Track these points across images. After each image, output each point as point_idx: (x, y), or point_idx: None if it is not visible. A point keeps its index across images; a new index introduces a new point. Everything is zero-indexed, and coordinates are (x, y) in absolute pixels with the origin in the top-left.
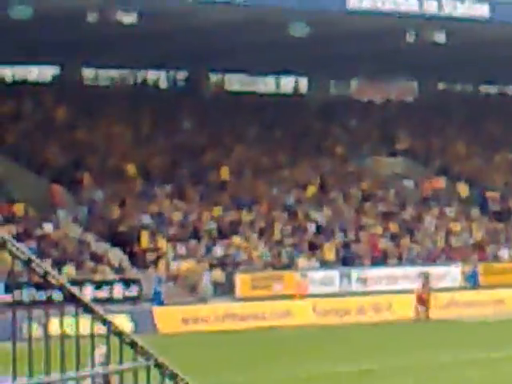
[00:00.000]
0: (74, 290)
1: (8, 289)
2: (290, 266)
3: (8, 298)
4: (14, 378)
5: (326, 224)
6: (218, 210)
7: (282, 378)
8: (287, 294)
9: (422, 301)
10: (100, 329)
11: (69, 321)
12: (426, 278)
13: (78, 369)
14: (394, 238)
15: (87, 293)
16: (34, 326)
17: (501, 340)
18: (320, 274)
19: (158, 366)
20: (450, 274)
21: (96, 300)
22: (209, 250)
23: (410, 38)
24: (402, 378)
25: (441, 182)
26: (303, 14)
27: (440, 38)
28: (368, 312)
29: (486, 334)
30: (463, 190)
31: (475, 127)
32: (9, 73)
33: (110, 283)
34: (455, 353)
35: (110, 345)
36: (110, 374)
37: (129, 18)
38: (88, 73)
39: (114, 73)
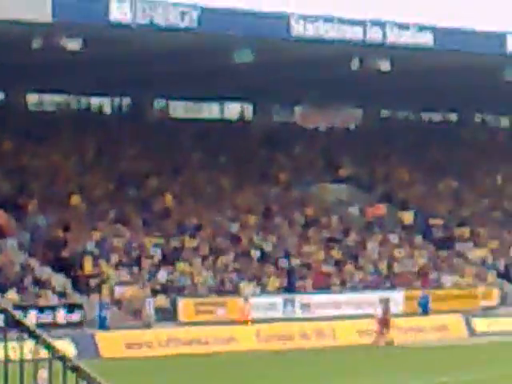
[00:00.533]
0: (18, 314)
1: None
2: (234, 291)
3: None
4: None
5: (270, 250)
6: (161, 236)
7: None
8: (231, 319)
9: (387, 325)
10: (43, 353)
11: (12, 345)
12: (386, 302)
13: None
14: (337, 264)
15: (31, 318)
16: None
17: (444, 365)
18: (263, 300)
19: None
20: (393, 299)
21: (40, 325)
22: (152, 275)
23: (355, 65)
24: None
25: (384, 209)
26: (248, 41)
27: (384, 65)
28: (311, 337)
29: (429, 360)
30: (406, 216)
31: (418, 154)
32: None
33: (53, 308)
34: (397, 378)
35: (52, 369)
36: None
37: (73, 45)
38: (32, 98)
39: (58, 98)
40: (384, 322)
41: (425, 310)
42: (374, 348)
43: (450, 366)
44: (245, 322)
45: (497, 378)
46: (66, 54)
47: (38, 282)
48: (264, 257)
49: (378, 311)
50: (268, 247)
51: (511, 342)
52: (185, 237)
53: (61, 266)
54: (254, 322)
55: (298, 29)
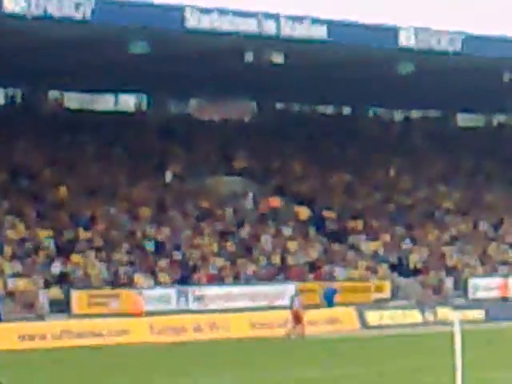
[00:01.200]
0: None
1: None
2: (128, 284)
3: None
4: None
5: (164, 242)
6: (55, 228)
7: None
8: (124, 311)
9: (299, 318)
10: None
11: None
12: (297, 295)
13: None
14: (230, 256)
15: None
16: None
17: (336, 358)
18: (157, 292)
19: None
20: (287, 292)
21: None
22: (46, 267)
23: (249, 58)
24: None
25: (278, 202)
26: (143, 32)
27: (278, 58)
28: (205, 330)
29: (322, 352)
30: (300, 209)
31: (312, 147)
32: None
33: None
34: (291, 370)
35: None
36: None
37: None
38: None
39: None
40: (297, 316)
41: (330, 304)
42: (266, 341)
43: (342, 358)
44: (137, 315)
45: (391, 370)
46: None
47: None
48: (158, 249)
49: (295, 304)
50: (162, 239)
51: (402, 335)
52: (79, 229)
53: None
54: (148, 314)
55: (192, 21)
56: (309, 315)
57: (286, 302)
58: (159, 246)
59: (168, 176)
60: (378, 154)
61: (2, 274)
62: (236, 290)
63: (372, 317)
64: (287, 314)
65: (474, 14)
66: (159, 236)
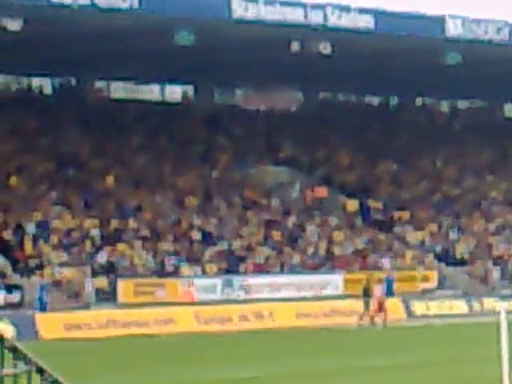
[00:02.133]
0: None
1: None
2: (174, 273)
3: None
4: None
5: (210, 232)
6: (101, 218)
7: None
8: (170, 301)
9: (382, 306)
10: None
11: None
12: (380, 284)
13: None
14: (276, 246)
15: None
16: None
17: (382, 347)
18: (203, 282)
19: (40, 371)
20: (333, 282)
21: None
22: (92, 256)
23: (295, 47)
24: None
25: (324, 191)
26: (188, 23)
27: (325, 48)
28: (250, 319)
29: (370, 341)
30: (346, 199)
31: (358, 137)
32: None
33: None
34: (341, 359)
35: None
36: None
37: (14, 25)
38: None
39: None
40: (379, 303)
41: (389, 292)
42: (312, 331)
43: (387, 347)
44: (187, 304)
45: (438, 359)
46: (6, 34)
47: None
48: (204, 239)
49: (378, 292)
50: (208, 229)
51: (448, 325)
52: (125, 219)
53: (0, 248)
54: (194, 303)
55: (238, 10)
56: (354, 305)
57: (331, 291)
58: (205, 236)
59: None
60: (425, 144)
61: (48, 263)
62: (282, 279)
63: (418, 307)
64: (366, 301)
65: None
66: (205, 226)
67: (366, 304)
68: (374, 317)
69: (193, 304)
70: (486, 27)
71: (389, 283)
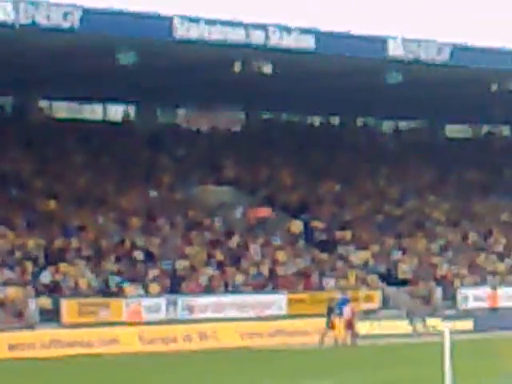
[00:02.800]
0: None
1: None
2: (118, 293)
3: None
4: None
5: (154, 252)
6: (45, 237)
7: None
8: (114, 320)
9: (351, 326)
10: None
11: None
12: (348, 304)
13: None
14: (219, 266)
15: None
16: None
17: (323, 368)
18: (147, 302)
19: None
20: (276, 302)
21: None
22: (35, 276)
23: (237, 67)
24: None
25: (267, 212)
26: (131, 42)
27: (266, 68)
28: (194, 340)
29: (312, 362)
30: (289, 219)
31: (301, 157)
32: None
33: None
34: (279, 381)
35: None
36: None
37: None
38: None
39: None
40: (348, 324)
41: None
42: (255, 350)
43: (329, 368)
44: (129, 324)
45: (381, 380)
46: None
47: None
48: (147, 259)
49: (346, 312)
50: (151, 249)
51: (391, 345)
52: (68, 238)
53: None
54: (138, 323)
55: (180, 30)
56: (299, 325)
57: (275, 311)
58: (148, 256)
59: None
60: (367, 164)
61: None
62: (225, 299)
63: (361, 327)
64: (335, 321)
65: (462, 25)
66: (148, 246)
67: (327, 324)
68: (337, 336)
69: (137, 324)
70: (427, 48)
71: (343, 303)
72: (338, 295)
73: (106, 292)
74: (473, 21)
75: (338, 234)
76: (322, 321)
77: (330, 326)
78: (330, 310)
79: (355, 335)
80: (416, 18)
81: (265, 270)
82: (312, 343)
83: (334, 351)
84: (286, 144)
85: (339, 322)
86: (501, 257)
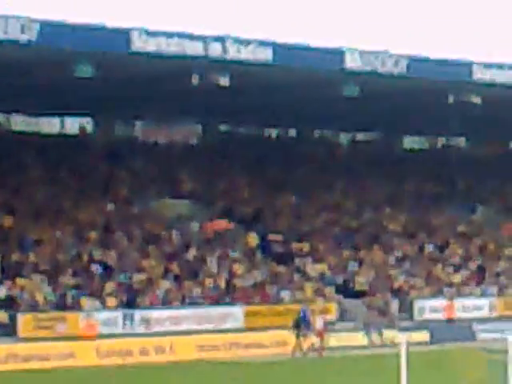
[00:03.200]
0: None
1: None
2: (75, 307)
3: None
4: None
5: (111, 265)
6: (1, 251)
7: None
8: (71, 334)
9: (322, 337)
10: None
11: None
12: (320, 315)
13: None
14: (177, 279)
15: None
16: None
17: (281, 380)
18: (103, 315)
19: None
20: (233, 315)
21: None
22: None
23: (195, 80)
24: None
25: (224, 224)
26: (88, 55)
27: (224, 81)
28: (151, 353)
29: (270, 375)
30: (246, 232)
31: (258, 170)
32: None
33: None
34: None
35: None
36: None
37: None
38: None
39: None
40: (320, 335)
41: (307, 324)
42: (212, 363)
43: (285, 380)
44: (86, 337)
45: None
46: None
47: None
48: (104, 272)
49: (319, 324)
50: (108, 262)
51: (348, 357)
52: (25, 252)
53: None
54: (95, 337)
55: (138, 43)
56: (256, 338)
57: (232, 324)
58: (106, 269)
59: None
60: (324, 176)
61: None
62: (182, 312)
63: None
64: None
65: (419, 37)
66: (106, 259)
67: (297, 335)
68: (312, 343)
69: (94, 338)
70: (383, 60)
71: (306, 314)
72: (300, 308)
73: (62, 306)
74: (429, 33)
75: (295, 246)
76: (280, 333)
77: (302, 338)
78: (297, 323)
79: (323, 347)
80: (372, 30)
81: (222, 283)
82: (269, 355)
83: (291, 363)
84: (243, 157)
85: (310, 335)
86: (457, 268)
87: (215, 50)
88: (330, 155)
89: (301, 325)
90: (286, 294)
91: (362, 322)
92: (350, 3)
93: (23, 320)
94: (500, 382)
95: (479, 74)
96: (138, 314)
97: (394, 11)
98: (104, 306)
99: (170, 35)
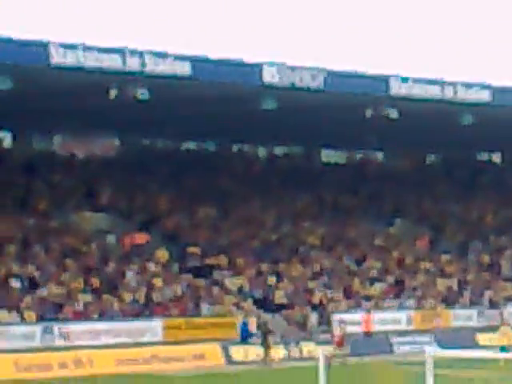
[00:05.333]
0: None
1: None
2: None
3: None
4: None
5: (29, 279)
6: None
7: None
8: None
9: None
10: None
11: None
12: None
13: None
14: (96, 292)
15: None
16: None
17: None
18: (21, 329)
19: None
20: (152, 329)
21: None
22: None
23: (113, 94)
24: None
25: (143, 238)
26: (6, 68)
27: (142, 94)
28: (70, 367)
29: None
30: (165, 245)
31: (177, 183)
32: None
33: None
34: None
35: None
36: None
37: None
38: None
39: None
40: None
41: (246, 336)
42: (131, 376)
43: None
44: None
45: None
46: None
47: None
48: (23, 286)
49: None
50: (27, 276)
51: (267, 370)
52: None
53: None
54: (12, 351)
55: (57, 57)
56: (175, 351)
57: (151, 337)
58: (24, 283)
59: None
60: (243, 190)
61: None
62: (101, 326)
63: (237, 353)
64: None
65: (336, 51)
66: (24, 273)
67: (266, 347)
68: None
69: (11, 352)
70: (301, 74)
71: (245, 327)
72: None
73: None
74: (346, 48)
75: (214, 259)
76: (199, 346)
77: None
78: (264, 334)
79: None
80: (290, 45)
81: (141, 297)
82: (188, 369)
83: (210, 377)
84: (162, 170)
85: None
86: (374, 281)
87: (133, 63)
88: (248, 169)
89: (267, 336)
90: (204, 308)
91: (281, 335)
92: (263, 17)
93: None
94: None
95: (396, 88)
96: (56, 328)
97: (309, 24)
98: (22, 320)
99: (88, 49)
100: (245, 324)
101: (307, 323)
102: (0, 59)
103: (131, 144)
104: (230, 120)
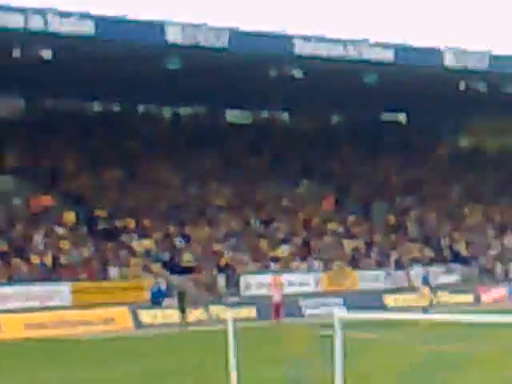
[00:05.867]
0: None
1: None
2: None
3: None
4: None
5: None
6: None
7: None
8: None
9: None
10: None
11: None
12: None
13: None
14: (3, 256)
15: None
16: None
17: (111, 357)
18: None
19: None
20: (60, 292)
21: None
22: None
23: (16, 54)
24: None
25: (49, 200)
26: None
27: (46, 54)
28: None
29: (97, 352)
30: (72, 208)
31: (83, 145)
32: None
33: None
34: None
35: None
36: None
37: None
38: None
39: None
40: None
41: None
42: (39, 340)
43: (116, 358)
44: None
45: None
46: None
47: None
48: None
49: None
50: None
51: (175, 334)
52: None
53: None
54: None
55: None
56: (83, 315)
57: (59, 301)
58: None
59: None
60: (149, 151)
61: None
62: (9, 290)
63: (146, 316)
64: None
65: (240, 11)
66: None
67: (182, 310)
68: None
69: None
70: (205, 33)
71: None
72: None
73: None
74: (251, 7)
75: (121, 222)
76: (107, 310)
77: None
78: (181, 298)
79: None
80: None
81: (48, 260)
82: (97, 332)
83: (120, 340)
84: (68, 132)
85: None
86: (282, 243)
87: (36, 22)
88: (154, 130)
89: (184, 298)
90: (112, 271)
91: (190, 298)
92: None
93: None
94: (328, 355)
95: (300, 48)
96: None
97: None
98: None
99: None
100: (158, 286)
101: (215, 286)
102: None
103: (36, 105)
104: (135, 80)
